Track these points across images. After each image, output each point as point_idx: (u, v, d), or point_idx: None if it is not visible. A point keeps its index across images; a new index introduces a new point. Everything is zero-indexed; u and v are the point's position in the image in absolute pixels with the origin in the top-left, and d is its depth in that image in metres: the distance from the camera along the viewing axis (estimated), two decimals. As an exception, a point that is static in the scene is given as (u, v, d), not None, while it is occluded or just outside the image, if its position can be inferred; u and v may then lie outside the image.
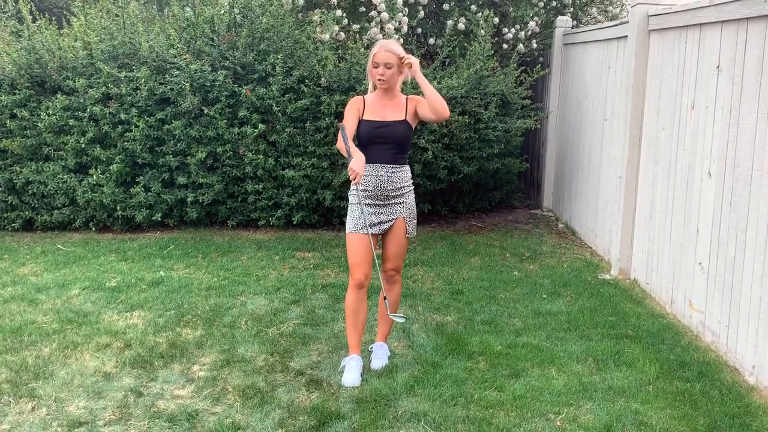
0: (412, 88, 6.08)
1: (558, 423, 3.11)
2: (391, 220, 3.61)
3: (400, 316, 3.65)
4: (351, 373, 3.50)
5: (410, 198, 3.68)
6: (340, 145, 3.42)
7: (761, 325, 3.43)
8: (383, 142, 3.51)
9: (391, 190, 3.56)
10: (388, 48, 3.50)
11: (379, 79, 3.51)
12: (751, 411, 3.21)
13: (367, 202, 3.56)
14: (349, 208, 3.63)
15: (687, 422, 3.11)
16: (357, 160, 3.29)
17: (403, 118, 3.56)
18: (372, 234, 3.55)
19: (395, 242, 3.65)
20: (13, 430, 3.07)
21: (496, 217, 7.32)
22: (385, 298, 3.69)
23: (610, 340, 4.00)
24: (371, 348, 3.79)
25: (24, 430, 3.07)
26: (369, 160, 3.48)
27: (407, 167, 3.66)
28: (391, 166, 3.55)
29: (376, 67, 3.51)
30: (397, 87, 3.60)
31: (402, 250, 3.69)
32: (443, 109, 3.46)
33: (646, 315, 4.43)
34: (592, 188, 6.14)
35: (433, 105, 3.46)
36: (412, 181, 3.72)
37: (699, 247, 4.13)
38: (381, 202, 3.58)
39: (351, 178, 3.29)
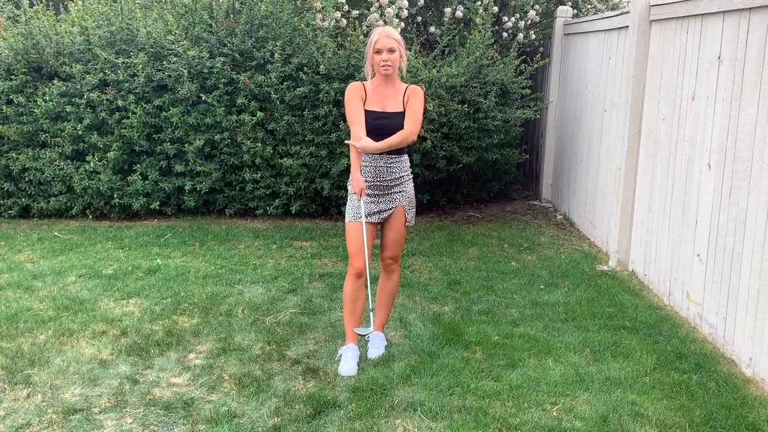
0: (410, 76, 6.05)
1: (554, 413, 3.11)
2: (391, 209, 3.61)
3: (368, 330, 3.65)
4: (348, 362, 3.50)
5: (409, 186, 3.68)
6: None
7: (759, 317, 3.42)
8: (383, 133, 3.49)
9: (390, 180, 3.57)
10: (388, 34, 3.49)
11: (384, 66, 3.49)
12: (747, 403, 3.21)
13: (367, 192, 3.54)
14: (348, 198, 3.61)
15: (683, 413, 3.11)
16: (355, 182, 3.49)
17: (401, 109, 3.55)
18: (371, 223, 3.55)
19: (394, 230, 3.64)
20: (9, 417, 3.06)
21: (495, 207, 7.30)
22: (372, 310, 3.72)
23: (607, 331, 4.00)
24: (368, 337, 3.79)
25: (19, 417, 3.06)
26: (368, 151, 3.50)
27: (406, 156, 3.67)
28: (390, 156, 3.55)
29: (378, 53, 3.49)
30: (396, 74, 3.58)
31: (401, 239, 3.69)
32: (408, 142, 3.53)
33: (644, 306, 4.43)
34: (591, 179, 6.12)
35: (399, 146, 3.53)
36: (410, 169, 3.72)
37: (698, 239, 4.12)
38: (380, 192, 3.58)
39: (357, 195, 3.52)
